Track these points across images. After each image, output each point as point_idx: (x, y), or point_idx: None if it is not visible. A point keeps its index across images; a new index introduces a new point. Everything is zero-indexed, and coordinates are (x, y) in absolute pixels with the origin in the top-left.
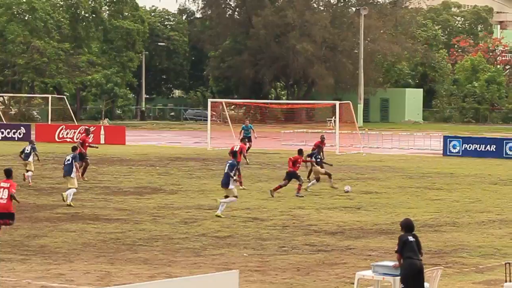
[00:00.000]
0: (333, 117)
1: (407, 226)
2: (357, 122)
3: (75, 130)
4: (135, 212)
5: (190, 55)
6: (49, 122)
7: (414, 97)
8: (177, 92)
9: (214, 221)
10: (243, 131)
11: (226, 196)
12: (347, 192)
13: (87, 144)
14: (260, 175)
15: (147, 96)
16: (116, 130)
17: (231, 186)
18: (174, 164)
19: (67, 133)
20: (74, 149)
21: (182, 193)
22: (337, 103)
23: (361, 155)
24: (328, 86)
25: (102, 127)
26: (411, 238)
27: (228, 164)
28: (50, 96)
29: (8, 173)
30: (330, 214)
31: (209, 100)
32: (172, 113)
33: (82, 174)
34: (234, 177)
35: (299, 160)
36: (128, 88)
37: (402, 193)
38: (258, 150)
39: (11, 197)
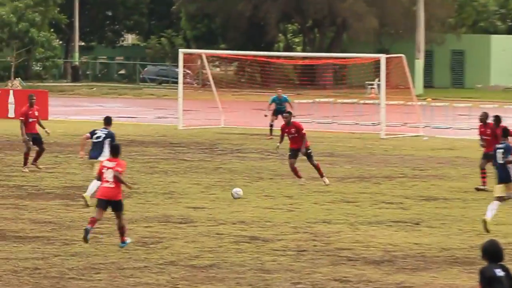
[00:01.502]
0: (376, 80)
1: (494, 253)
2: (414, 88)
3: None
4: (63, 226)
5: None
6: None
7: (504, 48)
8: (130, 38)
9: (188, 241)
10: (273, 104)
11: None
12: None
13: (32, 119)
14: (262, 169)
15: (83, 43)
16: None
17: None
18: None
19: None
20: (107, 121)
21: (139, 197)
22: (383, 57)
23: (421, 139)
24: (368, 30)
25: (11, 92)
26: (500, 272)
27: None
28: None
29: (115, 151)
30: (372, 232)
31: (181, 51)
32: (122, 71)
33: (35, 160)
34: None
35: None
36: (52, 31)
37: (485, 200)
38: (257, 131)
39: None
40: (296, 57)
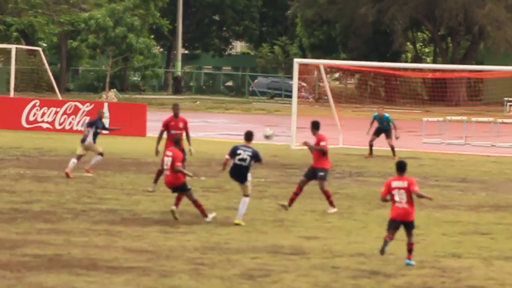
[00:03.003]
0: None
1: None
2: None
3: (59, 109)
4: (161, 256)
5: None
6: (12, 95)
7: None
8: (238, 46)
9: (300, 275)
10: (375, 121)
11: None
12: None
13: (174, 131)
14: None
15: (186, 51)
16: (131, 110)
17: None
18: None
19: (43, 114)
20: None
21: (246, 225)
22: None
23: None
24: (509, 39)
25: (105, 104)
26: None
27: None
28: (13, 47)
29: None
30: (509, 269)
31: (296, 61)
32: (229, 83)
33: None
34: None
35: None
36: (152, 37)
37: None
38: (380, 152)
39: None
40: (426, 69)
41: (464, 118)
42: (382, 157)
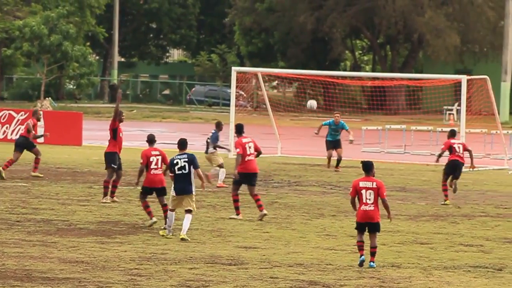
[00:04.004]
0: (456, 105)
1: None
2: (498, 114)
3: None
4: (97, 266)
5: None
6: None
7: None
8: (176, 54)
9: (238, 286)
10: (328, 128)
11: None
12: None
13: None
14: (323, 204)
15: (123, 59)
16: (66, 119)
17: None
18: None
19: None
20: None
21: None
22: (464, 78)
23: (506, 173)
24: (448, 48)
25: (40, 113)
26: None
27: None
28: None
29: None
30: (448, 278)
31: (234, 69)
32: (166, 91)
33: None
34: None
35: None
36: (88, 45)
37: None
38: (319, 161)
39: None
40: (365, 78)
41: (404, 126)
42: (321, 166)
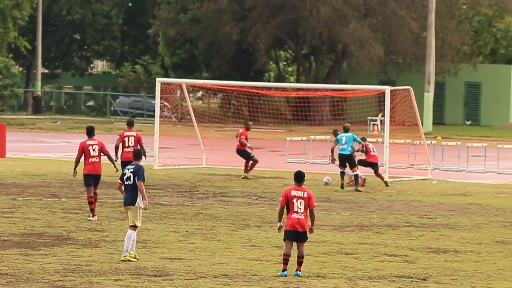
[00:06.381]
0: (380, 116)
1: None
2: (422, 125)
3: None
4: (21, 279)
5: None
6: None
7: None
8: (100, 65)
9: None
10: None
11: None
12: (327, 184)
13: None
14: (248, 215)
15: (46, 71)
16: None
17: None
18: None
19: None
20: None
21: (108, 246)
22: (388, 89)
23: (430, 183)
24: (372, 59)
25: None
26: None
27: None
28: None
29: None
30: None
31: (158, 80)
32: (90, 102)
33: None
34: None
35: None
36: (11, 56)
37: (502, 253)
38: (239, 172)
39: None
40: (289, 88)
41: (328, 137)
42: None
